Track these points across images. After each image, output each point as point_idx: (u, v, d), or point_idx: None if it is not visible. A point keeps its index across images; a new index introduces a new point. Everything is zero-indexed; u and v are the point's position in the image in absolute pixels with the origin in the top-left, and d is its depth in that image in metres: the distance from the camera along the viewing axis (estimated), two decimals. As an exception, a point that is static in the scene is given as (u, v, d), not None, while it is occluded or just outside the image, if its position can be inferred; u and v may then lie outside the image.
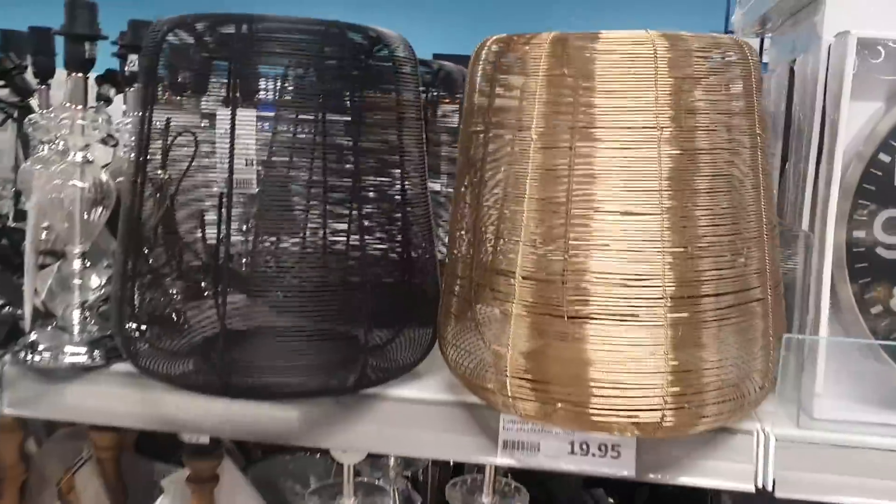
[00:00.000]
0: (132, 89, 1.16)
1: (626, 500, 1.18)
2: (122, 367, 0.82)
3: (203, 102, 0.79)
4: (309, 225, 0.82)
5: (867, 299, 0.75)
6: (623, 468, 0.74)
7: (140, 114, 0.79)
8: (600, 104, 0.66)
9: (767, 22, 1.04)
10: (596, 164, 0.66)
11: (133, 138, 0.83)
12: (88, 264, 0.89)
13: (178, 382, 0.78)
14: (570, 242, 0.67)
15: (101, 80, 1.33)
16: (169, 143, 0.80)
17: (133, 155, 0.80)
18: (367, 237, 0.79)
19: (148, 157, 0.78)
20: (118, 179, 0.90)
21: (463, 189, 0.78)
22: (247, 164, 0.78)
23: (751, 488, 0.72)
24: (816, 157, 0.76)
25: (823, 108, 0.75)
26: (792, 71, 0.86)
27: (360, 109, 0.78)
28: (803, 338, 0.73)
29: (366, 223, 0.79)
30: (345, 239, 0.81)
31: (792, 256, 0.80)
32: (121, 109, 1.21)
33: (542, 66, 0.69)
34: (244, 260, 0.85)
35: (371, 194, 0.81)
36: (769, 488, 0.72)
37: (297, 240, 0.83)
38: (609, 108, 0.66)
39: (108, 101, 1.33)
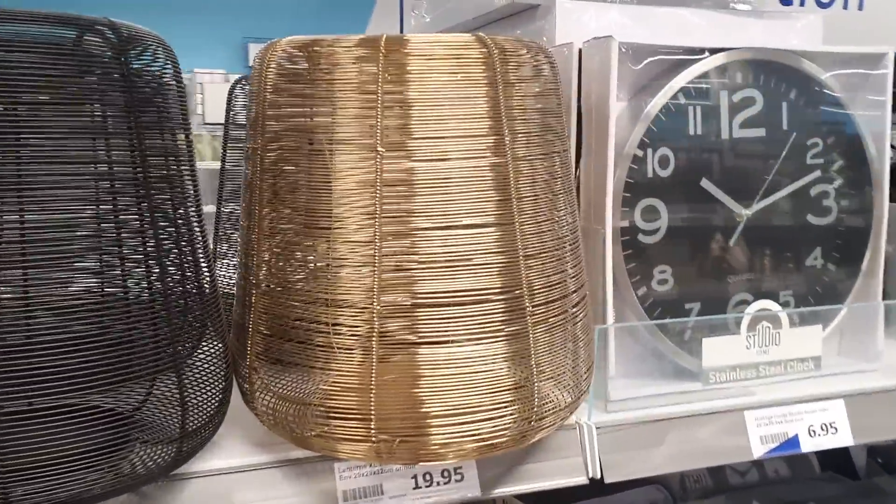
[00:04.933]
0: None
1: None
2: None
3: None
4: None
5: (634, 282, 0.81)
6: (469, 490, 0.70)
7: None
8: (418, 112, 0.62)
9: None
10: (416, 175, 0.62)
11: None
12: None
13: None
14: (392, 262, 0.62)
15: None
16: None
17: None
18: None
19: None
20: None
21: (255, 213, 0.68)
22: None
23: (584, 480, 0.74)
24: (576, 154, 0.81)
25: (579, 108, 0.81)
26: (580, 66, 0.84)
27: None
28: (604, 327, 0.77)
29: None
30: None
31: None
32: None
33: (352, 71, 0.63)
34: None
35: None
36: (598, 476, 0.74)
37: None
38: (429, 116, 0.62)
39: None
